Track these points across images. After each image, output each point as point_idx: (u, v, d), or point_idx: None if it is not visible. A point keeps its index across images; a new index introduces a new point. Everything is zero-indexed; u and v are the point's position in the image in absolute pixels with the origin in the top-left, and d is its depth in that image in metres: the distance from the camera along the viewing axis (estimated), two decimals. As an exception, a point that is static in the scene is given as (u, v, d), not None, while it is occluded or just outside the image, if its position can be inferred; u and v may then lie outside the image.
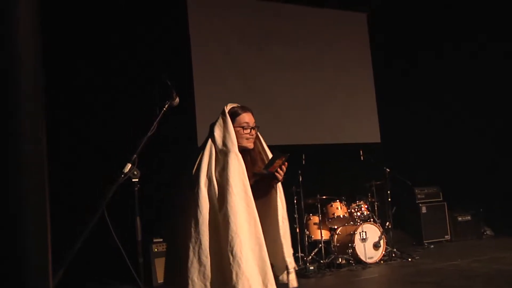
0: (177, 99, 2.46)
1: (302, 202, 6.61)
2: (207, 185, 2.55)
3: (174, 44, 7.07)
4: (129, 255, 2.25)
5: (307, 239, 6.68)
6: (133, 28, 6.68)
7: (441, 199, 8.43)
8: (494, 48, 8.38)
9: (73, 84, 6.27)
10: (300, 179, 6.52)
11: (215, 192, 2.53)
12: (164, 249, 6.04)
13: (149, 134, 2.31)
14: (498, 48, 8.31)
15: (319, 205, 6.72)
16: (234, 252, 2.42)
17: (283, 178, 2.66)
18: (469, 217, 8.48)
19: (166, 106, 2.44)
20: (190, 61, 7.23)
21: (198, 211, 2.52)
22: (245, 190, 2.54)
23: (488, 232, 8.57)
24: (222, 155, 2.57)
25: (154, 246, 6.05)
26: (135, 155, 2.25)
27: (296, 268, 2.83)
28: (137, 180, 2.25)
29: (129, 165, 2.22)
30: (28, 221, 1.30)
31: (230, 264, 2.43)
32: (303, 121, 8.00)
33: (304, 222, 6.81)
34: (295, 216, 6.65)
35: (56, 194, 5.58)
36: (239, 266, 2.41)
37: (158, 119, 2.36)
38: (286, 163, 2.61)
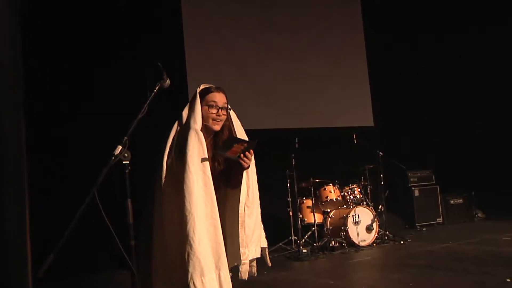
0: (168, 81, 2.43)
1: (295, 186, 6.62)
2: (169, 164, 2.50)
3: (167, 32, 6.97)
4: (121, 238, 2.23)
5: (300, 223, 6.70)
6: (126, 15, 6.60)
7: (434, 182, 8.48)
8: (491, 33, 8.39)
9: (63, 69, 6.19)
10: (293, 163, 6.52)
11: (176, 172, 2.45)
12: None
13: (139, 116, 2.28)
14: (495, 33, 8.33)
15: (312, 189, 6.73)
16: (187, 231, 2.34)
17: (248, 165, 2.51)
18: (461, 200, 8.54)
19: (157, 88, 2.40)
20: (183, 50, 7.14)
21: (161, 192, 2.50)
22: (204, 169, 2.43)
23: (479, 214, 8.66)
24: (184, 133, 2.48)
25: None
26: (125, 137, 2.22)
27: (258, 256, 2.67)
28: (127, 162, 2.21)
29: (119, 147, 2.19)
30: (7, 220, 1.26)
31: (184, 244, 2.35)
32: (297, 105, 7.97)
33: (297, 205, 6.82)
34: (288, 199, 6.68)
35: (47, 182, 5.56)
36: (190, 246, 2.32)
37: (148, 101, 2.32)
38: (251, 150, 2.46)
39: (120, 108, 4.84)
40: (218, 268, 2.38)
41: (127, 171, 2.22)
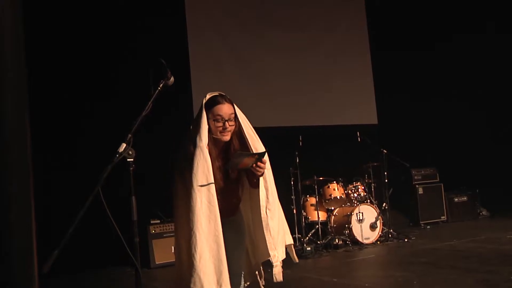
0: (172, 79, 2.42)
1: (299, 184, 6.63)
2: (180, 182, 2.57)
3: (171, 30, 6.97)
4: (125, 235, 2.24)
5: (304, 220, 6.71)
6: (129, 14, 6.60)
7: (438, 180, 8.46)
8: (492, 34, 8.38)
9: (68, 68, 6.21)
10: (297, 161, 6.52)
11: (184, 189, 2.51)
12: (162, 231, 6.11)
13: (143, 113, 2.28)
14: (496, 33, 8.31)
15: (316, 187, 6.74)
16: (189, 248, 2.42)
17: (262, 173, 2.55)
18: (465, 198, 8.53)
19: (161, 85, 2.40)
20: (187, 47, 7.14)
21: (175, 208, 2.60)
22: (208, 187, 2.47)
23: (484, 212, 8.64)
24: (191, 151, 2.52)
25: (151, 227, 6.07)
26: (130, 135, 2.23)
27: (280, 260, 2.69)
28: (132, 160, 2.22)
29: (124, 145, 2.19)
30: (13, 220, 1.26)
31: (187, 260, 2.44)
32: (301, 103, 7.97)
33: (301, 203, 6.83)
34: (292, 197, 6.68)
35: (51, 178, 5.58)
36: (192, 263, 2.40)
37: (152, 98, 2.33)
38: (264, 160, 2.49)
39: (125, 106, 4.85)
40: (219, 284, 2.43)
41: (131, 168, 2.22)
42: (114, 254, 4.20)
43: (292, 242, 2.84)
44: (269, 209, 2.62)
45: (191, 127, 2.62)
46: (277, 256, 2.61)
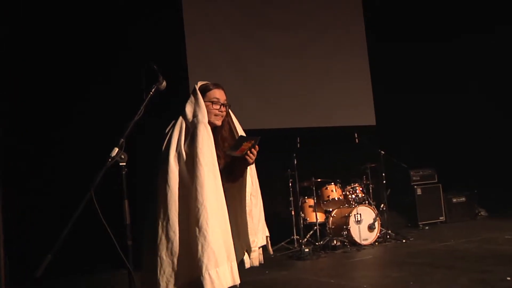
0: (164, 83, 2.45)
1: (297, 185, 6.64)
2: (176, 159, 2.49)
3: (168, 32, 6.96)
4: (119, 239, 2.25)
5: (302, 222, 6.72)
6: (125, 15, 6.61)
7: (436, 181, 8.47)
8: (488, 33, 8.41)
9: (60, 70, 6.20)
10: (295, 162, 6.54)
11: (185, 165, 2.46)
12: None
13: (136, 118, 2.30)
14: (498, 33, 8.35)
15: (314, 188, 6.75)
16: (200, 223, 2.34)
17: (254, 160, 2.60)
18: (463, 199, 8.53)
19: (153, 90, 2.43)
20: (185, 49, 7.14)
21: (167, 186, 2.45)
22: (213, 162, 2.47)
23: (482, 213, 8.65)
24: (192, 127, 2.51)
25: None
26: (122, 139, 2.25)
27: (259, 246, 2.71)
28: (124, 164, 2.24)
29: (116, 149, 2.21)
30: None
31: (196, 236, 2.35)
32: (298, 104, 7.99)
33: (299, 205, 6.84)
34: (291, 199, 6.70)
35: (45, 183, 5.56)
36: (204, 237, 2.32)
37: (144, 103, 2.36)
38: (256, 147, 2.55)
39: (119, 109, 4.85)
40: (230, 259, 2.42)
41: (123, 172, 2.25)
42: (110, 256, 4.21)
43: (268, 234, 2.85)
44: (253, 196, 2.66)
45: (186, 109, 2.61)
46: (256, 241, 2.64)
